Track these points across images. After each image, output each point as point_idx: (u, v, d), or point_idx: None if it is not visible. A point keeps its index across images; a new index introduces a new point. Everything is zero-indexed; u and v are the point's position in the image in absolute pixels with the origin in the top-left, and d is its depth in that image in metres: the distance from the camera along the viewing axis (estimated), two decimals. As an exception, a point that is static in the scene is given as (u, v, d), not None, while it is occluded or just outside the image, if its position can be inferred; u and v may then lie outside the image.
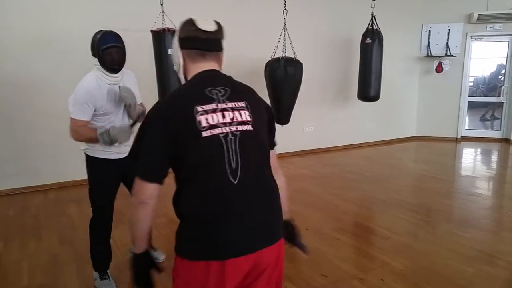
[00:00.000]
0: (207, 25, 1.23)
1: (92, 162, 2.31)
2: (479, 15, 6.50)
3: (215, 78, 1.24)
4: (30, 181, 4.28)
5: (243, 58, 5.29)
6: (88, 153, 2.31)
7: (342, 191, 4.31)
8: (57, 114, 4.29)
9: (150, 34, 4.08)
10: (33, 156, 4.29)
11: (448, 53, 6.81)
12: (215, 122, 1.14)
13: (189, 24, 1.24)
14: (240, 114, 1.18)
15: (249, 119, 1.19)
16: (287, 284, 2.40)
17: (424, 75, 7.18)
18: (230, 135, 1.15)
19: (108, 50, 2.15)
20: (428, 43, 6.96)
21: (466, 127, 7.34)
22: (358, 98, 6.01)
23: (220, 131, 1.14)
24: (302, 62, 5.02)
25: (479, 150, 6.76)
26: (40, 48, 4.14)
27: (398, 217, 3.56)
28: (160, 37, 3.88)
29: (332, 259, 2.74)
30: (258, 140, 1.22)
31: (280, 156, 5.58)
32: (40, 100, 4.22)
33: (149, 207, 1.18)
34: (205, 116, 1.14)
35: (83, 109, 2.14)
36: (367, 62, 5.74)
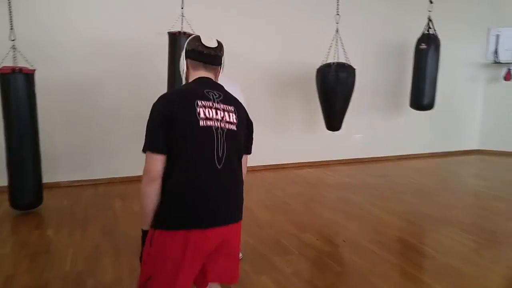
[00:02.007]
0: (209, 42, 1.48)
1: None
2: (557, 18, 5.85)
3: (211, 84, 1.49)
4: (84, 175, 4.59)
5: (295, 64, 5.30)
6: None
7: (387, 203, 4.08)
8: (109, 114, 4.62)
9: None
10: (88, 152, 4.60)
11: (519, 60, 6.20)
12: (210, 116, 1.38)
13: (196, 39, 1.49)
14: (229, 116, 1.43)
15: (235, 121, 1.44)
16: (314, 295, 2.31)
17: (490, 83, 6.60)
18: (219, 129, 1.39)
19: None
20: (496, 48, 6.39)
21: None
22: (410, 106, 5.68)
23: (213, 124, 1.38)
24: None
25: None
26: (98, 52, 4.44)
27: (446, 236, 3.28)
28: (175, 39, 3.79)
29: (366, 274, 2.58)
30: (238, 140, 1.46)
31: (326, 164, 5.49)
32: (96, 99, 4.53)
33: (156, 185, 1.36)
34: (203, 109, 1.38)
35: None
36: (421, 68, 5.42)
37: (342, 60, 4.84)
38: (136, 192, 3.47)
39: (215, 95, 1.43)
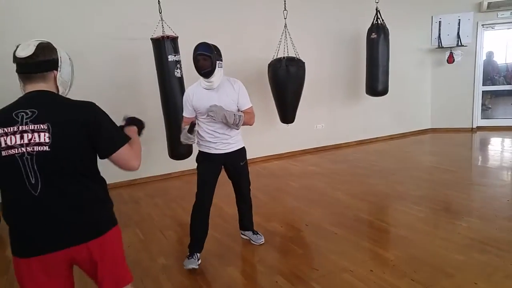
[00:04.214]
0: (22, 52, 1.37)
1: (197, 155, 2.81)
2: (489, 3, 6.39)
3: (29, 100, 1.38)
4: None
5: (248, 60, 5.46)
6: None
7: (348, 186, 4.39)
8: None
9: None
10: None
11: (459, 44, 6.70)
12: (12, 143, 1.31)
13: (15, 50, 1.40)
14: (39, 136, 1.32)
15: (47, 140, 1.32)
16: (277, 278, 2.55)
17: (436, 67, 7.10)
18: (26, 154, 1.31)
19: (197, 58, 2.52)
20: (439, 34, 6.88)
21: (481, 116, 7.20)
22: (366, 93, 6.06)
23: (16, 151, 1.31)
24: (308, 60, 5.14)
25: (493, 139, 6.63)
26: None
27: (398, 210, 3.63)
28: (159, 44, 3.99)
29: (326, 253, 2.86)
30: (57, 159, 1.35)
31: (292, 154, 5.78)
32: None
33: None
34: (4, 138, 1.32)
35: (185, 107, 2.70)
36: (373, 57, 5.78)
37: (293, 54, 5.03)
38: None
39: (27, 114, 1.33)
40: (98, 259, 1.44)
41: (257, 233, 3.12)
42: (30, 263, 1.37)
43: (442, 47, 6.82)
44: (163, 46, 3.97)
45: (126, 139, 1.49)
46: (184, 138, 2.55)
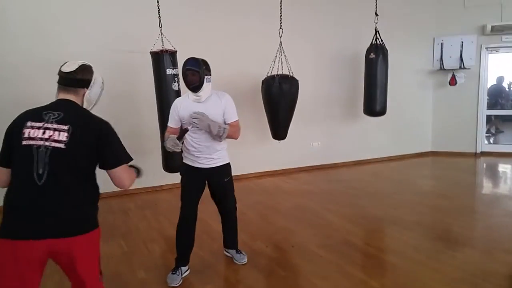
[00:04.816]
0: (66, 68, 1.68)
1: (181, 167, 2.79)
2: (493, 27, 6.32)
3: (59, 105, 1.65)
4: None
5: (244, 75, 5.44)
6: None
7: (340, 208, 4.26)
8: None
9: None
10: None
11: (462, 66, 6.63)
12: (34, 136, 1.53)
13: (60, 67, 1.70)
14: (59, 134, 1.54)
15: (64, 139, 1.53)
16: (255, 299, 2.42)
17: (438, 89, 7.01)
18: (42, 147, 1.51)
19: (186, 73, 2.54)
20: (441, 56, 6.82)
21: (486, 141, 7.05)
22: (364, 113, 5.97)
23: (35, 143, 1.52)
24: (305, 78, 5.10)
25: (497, 165, 6.47)
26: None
27: (389, 235, 3.49)
28: (158, 58, 4.01)
29: (309, 277, 2.73)
30: (68, 158, 1.54)
31: (286, 172, 5.65)
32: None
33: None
34: (29, 130, 1.54)
35: (171, 117, 2.70)
36: (372, 77, 5.72)
37: (287, 71, 4.99)
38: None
39: (53, 115, 1.57)
40: (77, 256, 1.53)
41: (241, 252, 3.01)
42: (14, 246, 1.46)
43: (444, 69, 6.74)
44: (162, 59, 3.99)
45: (128, 159, 1.71)
46: (171, 144, 2.50)
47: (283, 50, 4.99)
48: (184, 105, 2.64)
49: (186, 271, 2.77)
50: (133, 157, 1.75)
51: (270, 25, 5.05)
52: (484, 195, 4.95)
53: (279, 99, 4.90)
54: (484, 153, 6.89)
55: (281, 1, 4.86)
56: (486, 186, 5.44)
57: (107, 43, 4.65)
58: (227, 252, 3.06)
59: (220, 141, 2.64)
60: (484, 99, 6.84)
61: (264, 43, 5.32)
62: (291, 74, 5.00)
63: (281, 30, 4.86)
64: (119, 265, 2.97)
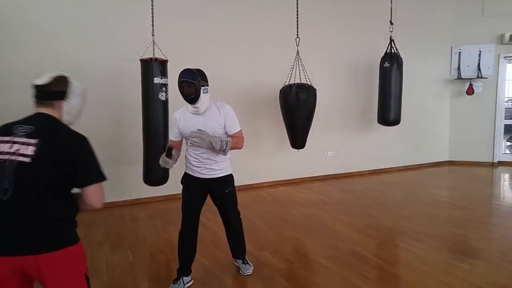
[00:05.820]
0: (39, 81, 1.61)
1: (182, 177, 2.82)
2: (511, 35, 6.20)
3: (32, 119, 1.59)
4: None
5: (262, 85, 5.52)
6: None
7: (351, 218, 4.25)
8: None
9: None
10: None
11: (480, 75, 6.51)
12: (1, 150, 1.48)
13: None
14: (26, 149, 1.48)
15: (31, 153, 1.47)
16: (257, 309, 2.46)
17: (455, 98, 6.91)
18: (7, 162, 1.47)
19: (181, 85, 2.53)
20: (459, 65, 6.73)
21: (503, 151, 6.88)
22: (378, 122, 5.94)
23: (1, 157, 1.47)
24: (321, 87, 5.14)
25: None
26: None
27: (398, 246, 3.46)
28: (147, 66, 3.93)
29: (312, 288, 2.75)
30: (33, 172, 1.47)
31: (300, 181, 5.65)
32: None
33: None
34: None
35: (171, 131, 2.77)
36: (386, 86, 5.70)
37: (304, 80, 5.03)
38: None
39: (24, 129, 1.52)
40: (46, 275, 1.46)
41: (247, 263, 3.03)
42: None
43: (462, 78, 6.64)
44: (151, 67, 3.90)
45: (102, 178, 1.59)
46: (161, 161, 2.55)
47: (300, 59, 5.05)
48: (184, 117, 2.65)
49: (189, 281, 2.77)
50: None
51: (287, 34, 5.13)
52: (500, 205, 4.83)
53: (296, 108, 4.96)
54: (502, 163, 6.72)
55: (297, 11, 4.95)
56: (502, 197, 5.30)
57: (101, 51, 4.61)
58: (236, 261, 3.08)
59: (225, 155, 2.66)
60: (502, 108, 6.68)
61: (281, 53, 5.41)
62: (309, 83, 5.04)
63: (298, 39, 4.93)
64: (124, 275, 3.00)
